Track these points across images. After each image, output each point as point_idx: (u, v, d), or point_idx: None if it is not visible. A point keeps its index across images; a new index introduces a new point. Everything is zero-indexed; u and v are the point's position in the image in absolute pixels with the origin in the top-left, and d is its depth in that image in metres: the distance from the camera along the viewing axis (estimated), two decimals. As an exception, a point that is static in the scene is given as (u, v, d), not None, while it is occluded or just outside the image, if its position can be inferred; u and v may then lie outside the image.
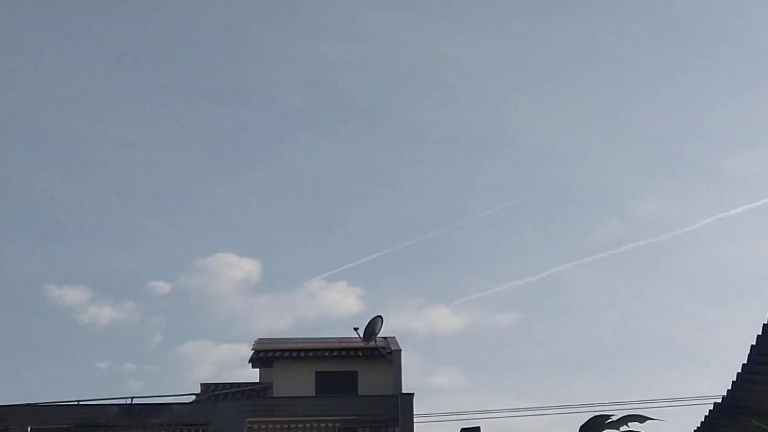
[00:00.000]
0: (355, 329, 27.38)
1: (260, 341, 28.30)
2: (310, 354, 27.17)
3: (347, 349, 27.28)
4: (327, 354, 27.21)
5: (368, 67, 51.76)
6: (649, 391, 61.49)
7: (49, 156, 48.67)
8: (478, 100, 52.63)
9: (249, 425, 24.30)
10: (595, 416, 4.92)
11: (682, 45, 53.21)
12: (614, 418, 4.88)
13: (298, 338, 28.90)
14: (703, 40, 53.49)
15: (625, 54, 52.04)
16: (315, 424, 24.61)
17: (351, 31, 50.52)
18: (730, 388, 13.87)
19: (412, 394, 24.72)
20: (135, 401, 25.43)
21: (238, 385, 28.97)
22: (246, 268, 48.28)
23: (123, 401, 25.29)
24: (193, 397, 27.73)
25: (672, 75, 53.02)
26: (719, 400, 14.57)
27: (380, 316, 27.62)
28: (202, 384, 29.10)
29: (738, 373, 13.37)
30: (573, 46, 51.80)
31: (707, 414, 15.29)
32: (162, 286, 47.03)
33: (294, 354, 27.19)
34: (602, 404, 28.10)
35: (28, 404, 25.35)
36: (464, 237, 50.26)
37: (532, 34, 52.16)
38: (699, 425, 15.76)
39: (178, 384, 58.59)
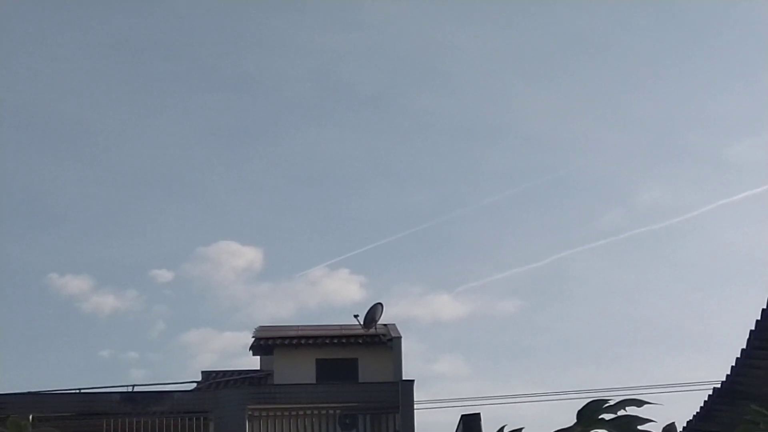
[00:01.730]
0: (356, 316, 27.43)
1: (261, 329, 28.34)
2: (311, 341, 27.21)
3: (347, 337, 27.31)
4: (327, 341, 27.24)
5: (369, 56, 51.72)
6: (650, 377, 61.57)
7: (51, 145, 48.67)
8: (479, 88, 52.61)
9: (250, 412, 24.34)
10: (593, 401, 4.93)
11: (683, 32, 53.15)
12: (612, 403, 4.90)
13: (298, 326, 28.93)
14: (705, 27, 53.45)
15: (627, 41, 52.00)
16: (315, 411, 24.65)
17: (352, 19, 50.47)
18: (729, 373, 13.92)
19: (413, 381, 24.75)
20: (136, 389, 25.49)
21: (239, 372, 29.01)
22: (248, 256, 48.32)
23: (124, 389, 25.35)
24: (194, 384, 27.78)
25: (674, 62, 53.00)
26: (718, 385, 14.63)
27: (380, 304, 27.65)
28: (203, 372, 29.16)
29: (737, 359, 13.43)
30: (575, 34, 51.75)
31: (706, 399, 15.35)
32: (164, 275, 47.10)
33: (294, 341, 27.24)
34: (603, 390, 28.11)
35: (29, 392, 25.39)
36: (466, 224, 50.32)
37: (534, 21, 52.10)
38: (698, 410, 15.83)
39: (180, 372, 58.95)
